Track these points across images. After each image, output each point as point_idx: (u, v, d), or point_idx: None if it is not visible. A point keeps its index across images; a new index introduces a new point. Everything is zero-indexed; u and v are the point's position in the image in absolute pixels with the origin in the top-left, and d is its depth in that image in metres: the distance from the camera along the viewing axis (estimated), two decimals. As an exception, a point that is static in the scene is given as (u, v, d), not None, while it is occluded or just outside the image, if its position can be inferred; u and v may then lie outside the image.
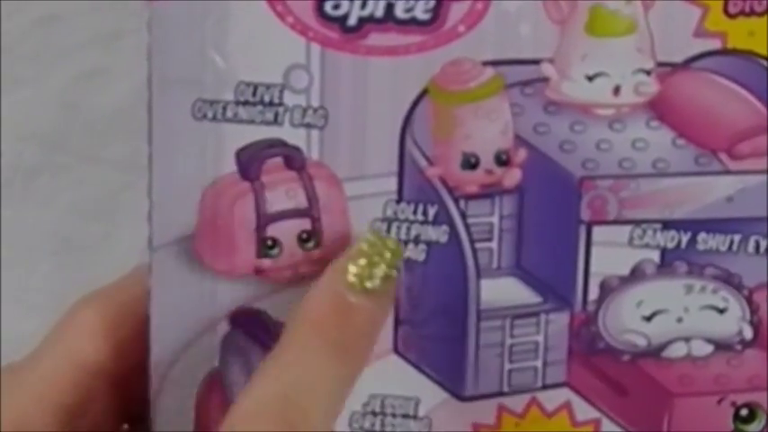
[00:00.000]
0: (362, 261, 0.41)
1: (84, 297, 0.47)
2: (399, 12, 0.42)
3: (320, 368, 0.41)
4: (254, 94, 0.43)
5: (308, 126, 0.43)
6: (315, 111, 0.43)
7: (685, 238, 0.43)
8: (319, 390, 0.41)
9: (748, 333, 0.44)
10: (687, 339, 0.44)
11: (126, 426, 0.47)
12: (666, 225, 0.43)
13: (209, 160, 0.43)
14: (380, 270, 0.41)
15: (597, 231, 0.44)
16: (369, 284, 0.41)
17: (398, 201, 0.43)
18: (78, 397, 0.45)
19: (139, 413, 0.46)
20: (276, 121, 0.43)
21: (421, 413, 0.45)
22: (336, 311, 0.41)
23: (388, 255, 0.42)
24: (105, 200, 0.58)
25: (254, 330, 0.45)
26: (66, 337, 0.46)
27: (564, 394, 0.45)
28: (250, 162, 0.43)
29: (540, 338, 0.45)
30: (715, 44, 0.42)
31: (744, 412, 0.44)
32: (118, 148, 0.57)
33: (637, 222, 0.43)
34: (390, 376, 0.45)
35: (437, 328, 0.45)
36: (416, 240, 0.44)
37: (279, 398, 0.40)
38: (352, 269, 0.41)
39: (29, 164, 0.59)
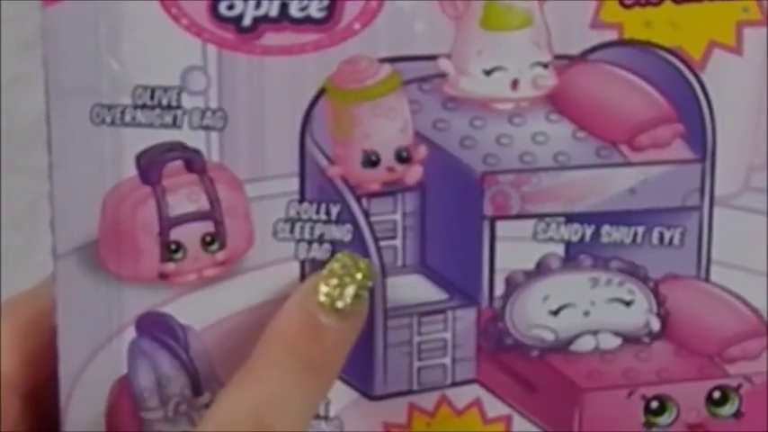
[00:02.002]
0: (334, 281, 0.41)
1: None
2: (294, 11, 0.41)
3: (291, 387, 0.41)
4: (151, 97, 0.42)
5: (208, 128, 0.42)
6: (213, 113, 0.42)
7: (589, 232, 0.43)
8: (289, 409, 0.41)
9: (656, 325, 0.44)
10: (595, 333, 0.44)
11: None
12: (570, 218, 0.43)
13: (108, 165, 0.43)
14: (351, 290, 0.41)
15: (501, 226, 0.43)
16: (339, 304, 0.41)
17: (301, 201, 0.43)
18: None
19: (55, 426, 0.46)
20: (175, 123, 0.42)
21: (332, 413, 0.44)
22: (308, 331, 0.41)
23: (359, 276, 0.41)
24: (28, 208, 0.58)
25: (160, 335, 0.44)
26: None
27: (474, 391, 0.45)
28: (150, 166, 0.43)
29: (448, 335, 0.44)
30: (611, 35, 0.41)
31: (654, 405, 0.44)
32: (39, 155, 0.57)
33: (540, 216, 0.43)
34: None
35: None
36: (320, 240, 0.43)
37: (250, 416, 0.41)
38: (323, 289, 0.41)
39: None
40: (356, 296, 0.41)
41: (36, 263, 0.58)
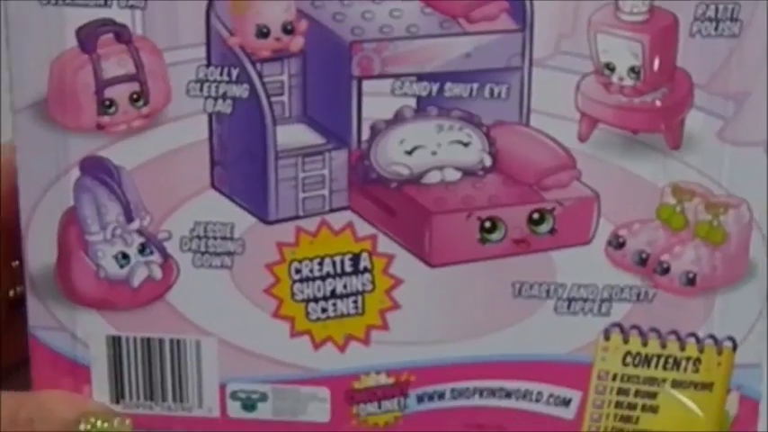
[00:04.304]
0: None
1: None
2: None
3: None
4: None
5: (132, 7, 0.44)
6: (136, -7, 0.44)
7: (435, 88, 0.45)
8: None
9: (488, 161, 0.46)
10: (440, 168, 0.46)
11: (16, 262, 0.48)
12: (420, 77, 0.45)
13: (54, 38, 0.45)
14: None
15: (366, 84, 0.45)
16: None
17: (208, 65, 0.45)
18: None
19: (19, 251, 0.47)
20: (106, 3, 0.44)
21: (236, 235, 0.47)
22: None
23: None
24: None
25: (99, 174, 0.46)
26: None
27: (347, 216, 0.47)
28: (88, 38, 0.45)
29: (326, 172, 0.46)
30: None
31: (487, 224, 0.46)
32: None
33: (396, 76, 0.45)
34: (210, 207, 0.46)
35: (244, 166, 0.46)
36: (224, 97, 0.45)
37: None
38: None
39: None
40: None
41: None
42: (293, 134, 0.46)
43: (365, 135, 0.46)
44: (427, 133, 0.46)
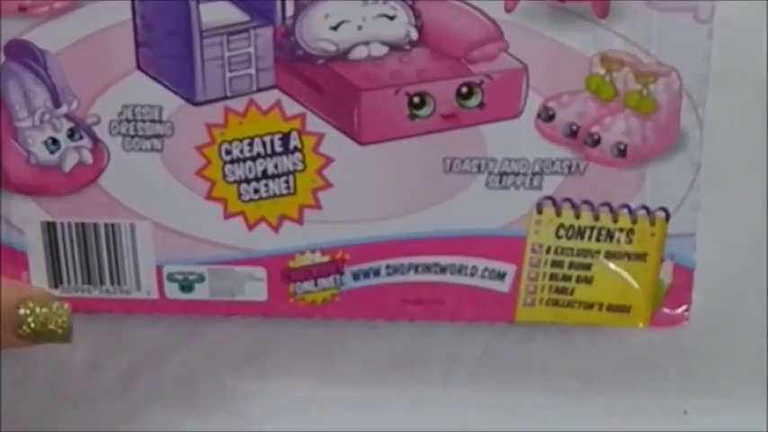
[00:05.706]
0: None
1: None
2: None
3: None
4: None
5: None
6: None
7: None
8: None
9: (414, 35, 0.45)
10: (367, 43, 0.45)
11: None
12: None
13: None
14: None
15: None
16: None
17: None
18: None
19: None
20: None
21: (164, 117, 0.46)
22: None
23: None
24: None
25: (24, 59, 0.45)
26: None
27: (275, 95, 0.45)
28: None
29: (252, 50, 0.45)
30: None
31: (416, 100, 0.45)
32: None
33: None
34: (137, 89, 0.45)
35: (169, 47, 0.45)
36: None
37: None
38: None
39: None
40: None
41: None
42: (217, 12, 0.44)
43: (289, 11, 0.44)
44: (352, 7, 0.44)
